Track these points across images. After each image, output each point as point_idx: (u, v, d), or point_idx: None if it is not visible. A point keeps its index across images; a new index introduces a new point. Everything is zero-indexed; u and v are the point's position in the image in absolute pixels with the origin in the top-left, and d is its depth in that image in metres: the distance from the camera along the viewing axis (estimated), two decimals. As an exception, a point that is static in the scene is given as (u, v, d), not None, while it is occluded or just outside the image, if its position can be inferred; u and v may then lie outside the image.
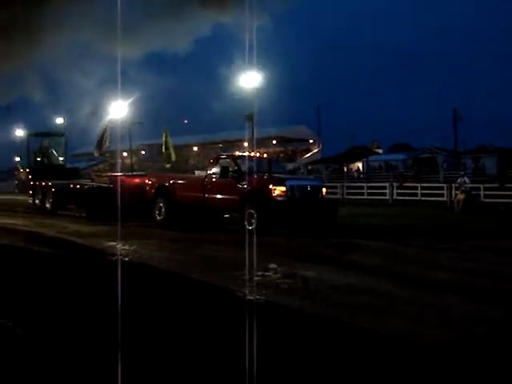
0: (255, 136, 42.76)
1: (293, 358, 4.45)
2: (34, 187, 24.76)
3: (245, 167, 15.67)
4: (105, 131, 26.00)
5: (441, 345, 4.84)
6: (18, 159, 30.79)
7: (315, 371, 4.20)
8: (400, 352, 4.68)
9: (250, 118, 34.17)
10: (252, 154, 18.28)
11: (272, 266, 8.74)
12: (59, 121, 58.70)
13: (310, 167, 60.37)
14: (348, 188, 37.35)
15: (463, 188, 26.35)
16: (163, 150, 23.56)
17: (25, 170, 26.94)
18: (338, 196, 33.95)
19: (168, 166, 23.85)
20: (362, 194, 35.86)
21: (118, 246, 11.28)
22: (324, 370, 4.23)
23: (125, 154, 51.20)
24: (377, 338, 5.03)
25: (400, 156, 56.02)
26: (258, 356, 3.91)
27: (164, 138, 23.10)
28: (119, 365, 3.68)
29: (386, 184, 35.16)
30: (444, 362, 4.42)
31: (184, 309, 6.03)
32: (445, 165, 48.10)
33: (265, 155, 19.31)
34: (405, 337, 5.07)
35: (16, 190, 29.34)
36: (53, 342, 4.80)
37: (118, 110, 41.62)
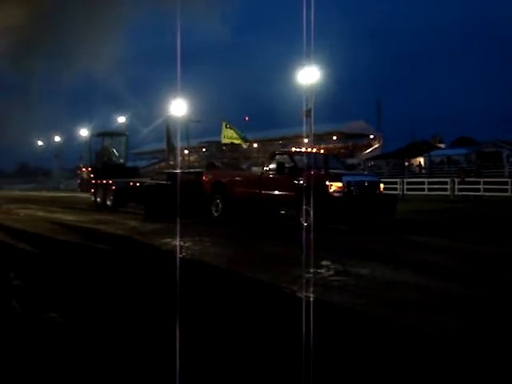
0: (314, 132, 42.59)
1: (341, 357, 4.33)
2: (95, 185, 25.38)
3: (301, 163, 15.53)
4: (168, 132, 26.40)
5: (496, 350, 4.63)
6: (80, 159, 31.52)
7: (362, 370, 4.07)
8: (446, 353, 4.49)
9: (308, 113, 34.03)
10: (308, 149, 18.09)
11: (325, 263, 8.59)
12: (121, 120, 60.04)
13: (370, 163, 59.69)
14: (408, 184, 36.68)
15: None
16: (223, 138, 23.64)
17: (87, 169, 27.57)
18: (398, 192, 33.38)
19: (246, 145, 23.90)
20: (423, 189, 35.18)
21: (174, 242, 11.34)
22: (371, 369, 4.09)
23: (186, 151, 51.89)
24: (426, 338, 4.85)
25: (463, 150, 54.61)
26: (305, 353, 3.82)
27: (224, 132, 23.18)
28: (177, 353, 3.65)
29: (447, 179, 34.37)
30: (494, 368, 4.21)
31: (234, 305, 5.98)
32: (511, 159, 46.69)
33: (322, 151, 19.07)
34: (455, 339, 4.86)
35: (79, 189, 30.07)
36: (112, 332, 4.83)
37: (178, 108, 42.39)
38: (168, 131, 26.18)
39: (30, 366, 4.15)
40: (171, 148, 26.16)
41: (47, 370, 4.04)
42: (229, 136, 23.53)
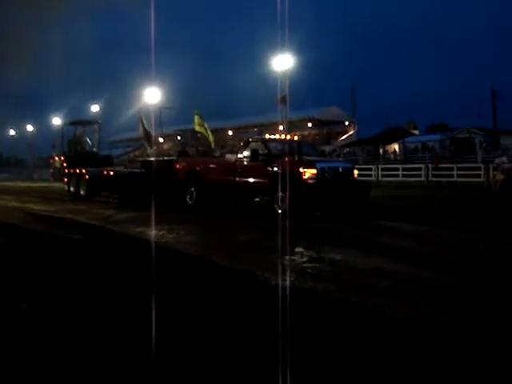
0: (290, 119, 42.58)
1: (314, 342, 4.32)
2: (68, 175, 25.11)
3: (275, 150, 15.52)
4: (141, 122, 26.19)
5: (463, 336, 4.66)
6: (53, 147, 31.13)
7: (336, 355, 4.07)
8: (419, 339, 4.51)
9: (283, 100, 33.93)
10: (282, 136, 18.06)
11: (300, 249, 8.60)
12: (95, 109, 59.52)
13: (346, 150, 59.87)
14: (383, 170, 36.95)
15: (502, 168, 25.53)
16: (196, 128, 23.53)
17: (60, 158, 27.27)
18: (373, 178, 33.60)
19: (212, 146, 23.84)
20: (397, 175, 35.47)
21: (148, 231, 11.26)
22: (344, 354, 4.09)
23: (161, 139, 51.58)
24: (396, 324, 4.86)
25: (437, 137, 55.07)
26: (280, 338, 3.81)
27: (196, 120, 23.06)
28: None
29: (422, 165, 34.67)
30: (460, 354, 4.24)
31: (208, 293, 5.94)
32: (484, 144, 47.17)
33: (296, 138, 19.07)
34: (427, 325, 4.88)
35: (52, 178, 29.74)
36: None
37: (151, 95, 42.07)
38: (141, 119, 25.91)
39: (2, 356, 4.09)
40: (147, 136, 25.94)
41: (20, 360, 3.98)
42: (200, 124, 23.46)
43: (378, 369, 3.84)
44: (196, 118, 22.95)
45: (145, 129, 26.17)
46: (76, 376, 3.72)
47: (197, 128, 23.50)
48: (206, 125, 23.17)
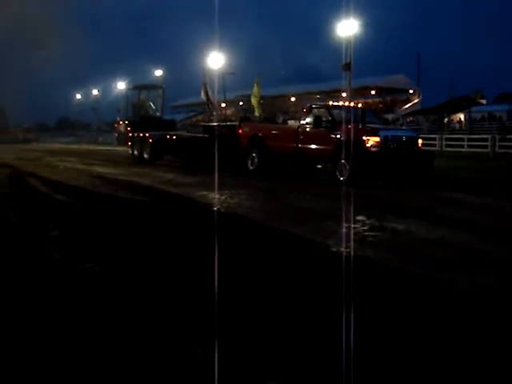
0: (353, 86, 41.93)
1: (375, 310, 4.33)
2: (132, 139, 25.53)
3: (338, 117, 15.36)
4: (204, 88, 26.34)
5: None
6: (118, 112, 31.64)
7: (396, 321, 4.07)
8: (479, 308, 4.46)
9: (347, 67, 33.43)
10: (346, 103, 17.85)
11: (361, 218, 8.54)
12: (158, 73, 60.03)
13: (409, 118, 58.67)
14: (447, 140, 36.08)
15: None
16: (252, 99, 23.55)
17: (124, 123, 27.71)
18: (437, 148, 32.89)
19: (258, 115, 23.85)
20: (462, 146, 34.56)
21: (210, 195, 11.40)
22: (403, 320, 4.08)
23: (223, 105, 51.74)
24: (458, 294, 4.81)
25: (505, 107, 53.19)
26: (342, 306, 3.83)
27: (254, 89, 23.04)
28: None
29: (488, 136, 33.66)
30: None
31: (269, 258, 6.00)
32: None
33: (359, 105, 18.83)
34: (489, 295, 4.80)
35: (116, 142, 30.30)
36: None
37: (214, 60, 42.11)
38: (205, 84, 26.04)
39: (69, 312, 4.24)
40: (210, 101, 26.11)
41: (86, 318, 4.13)
42: (255, 95, 23.48)
43: (438, 336, 3.82)
44: (255, 88, 22.95)
45: (207, 94, 26.34)
46: (147, 325, 3.84)
47: (252, 99, 23.52)
48: (258, 93, 23.15)
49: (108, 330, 3.86)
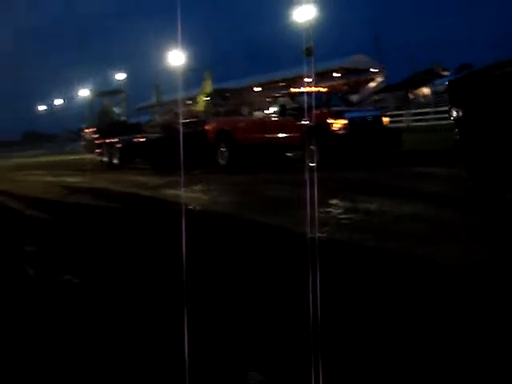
0: (316, 70, 42.05)
1: (352, 288, 4.35)
2: (100, 145, 25.39)
3: (303, 103, 15.39)
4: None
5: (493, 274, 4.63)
6: (83, 120, 31.45)
7: (373, 300, 4.09)
8: (460, 281, 4.50)
9: (308, 52, 33.47)
10: (309, 89, 17.89)
11: (334, 201, 8.60)
12: (120, 77, 59.56)
13: (375, 97, 58.94)
14: (414, 115, 36.38)
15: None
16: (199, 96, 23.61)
17: (90, 130, 27.58)
18: (404, 124, 33.13)
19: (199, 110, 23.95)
20: (429, 120, 34.88)
21: (182, 194, 11.36)
22: (380, 299, 4.11)
23: (188, 101, 51.51)
24: (435, 268, 4.86)
25: (466, 76, 53.67)
26: (319, 289, 3.84)
27: (204, 84, 23.09)
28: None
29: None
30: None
31: (245, 249, 6.01)
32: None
33: (323, 89, 18.87)
34: (468, 268, 4.86)
35: (84, 150, 30.14)
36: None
37: (175, 58, 41.93)
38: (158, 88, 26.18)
39: (50, 322, 4.20)
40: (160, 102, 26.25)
41: (68, 326, 4.09)
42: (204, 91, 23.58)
43: (419, 312, 3.85)
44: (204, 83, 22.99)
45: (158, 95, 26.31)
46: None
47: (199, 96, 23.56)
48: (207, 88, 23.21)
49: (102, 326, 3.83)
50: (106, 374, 3.31)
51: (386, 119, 15.59)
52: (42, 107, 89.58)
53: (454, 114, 7.93)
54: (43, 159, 47.20)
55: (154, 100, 27.06)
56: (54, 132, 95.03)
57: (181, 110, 26.94)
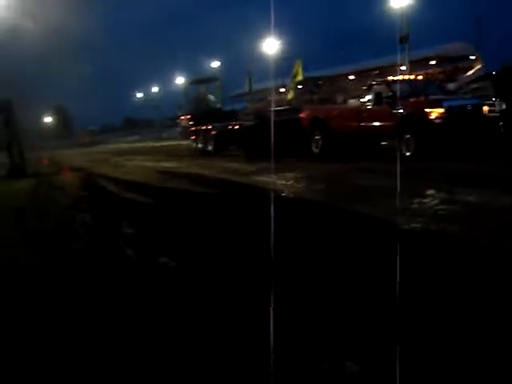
0: (411, 58, 41.01)
1: (452, 283, 4.30)
2: (195, 132, 25.90)
3: (399, 92, 15.15)
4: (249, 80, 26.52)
5: None
6: (179, 108, 32.13)
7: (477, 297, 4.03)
8: None
9: (403, 39, 32.79)
10: (405, 77, 17.57)
11: (430, 192, 8.45)
12: (215, 65, 60.39)
13: (473, 85, 56.94)
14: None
15: None
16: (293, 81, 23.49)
17: (186, 117, 28.14)
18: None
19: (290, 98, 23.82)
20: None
21: (276, 181, 11.44)
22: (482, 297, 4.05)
23: (282, 89, 51.68)
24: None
25: None
26: (413, 284, 3.83)
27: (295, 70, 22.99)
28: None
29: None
30: None
31: (337, 239, 6.02)
32: None
33: (419, 77, 18.47)
34: None
35: (180, 137, 30.86)
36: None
37: (270, 46, 42.08)
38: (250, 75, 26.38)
39: (148, 305, 4.39)
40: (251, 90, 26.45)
41: (166, 308, 4.27)
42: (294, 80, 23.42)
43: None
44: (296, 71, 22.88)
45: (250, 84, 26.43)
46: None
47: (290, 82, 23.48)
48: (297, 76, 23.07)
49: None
50: (205, 351, 3.45)
51: (485, 108, 15.06)
52: (139, 94, 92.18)
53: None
54: (142, 144, 48.69)
55: (246, 88, 27.26)
56: (152, 118, 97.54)
57: (274, 98, 27.06)
